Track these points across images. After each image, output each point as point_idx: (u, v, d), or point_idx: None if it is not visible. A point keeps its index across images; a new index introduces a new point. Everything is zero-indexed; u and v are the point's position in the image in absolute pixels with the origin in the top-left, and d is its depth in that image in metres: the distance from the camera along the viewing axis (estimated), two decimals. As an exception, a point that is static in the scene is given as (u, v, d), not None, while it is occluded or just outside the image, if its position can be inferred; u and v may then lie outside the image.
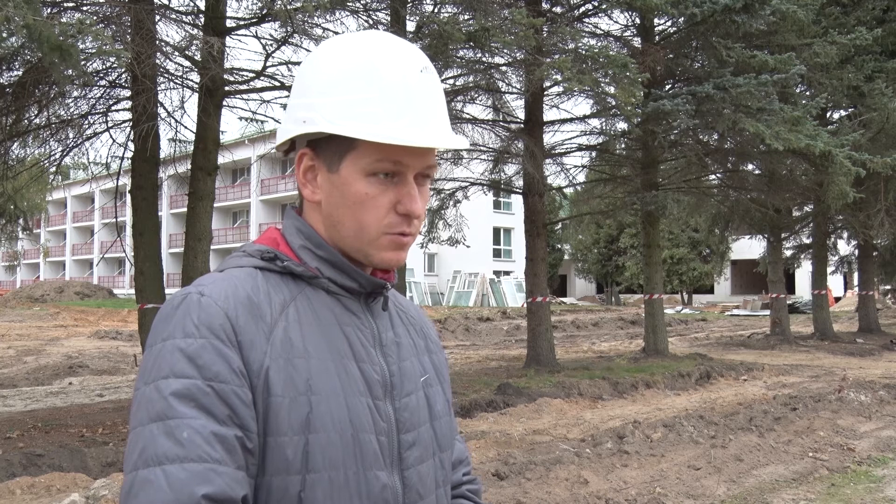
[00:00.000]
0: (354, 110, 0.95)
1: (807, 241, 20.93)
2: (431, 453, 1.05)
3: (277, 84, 9.26)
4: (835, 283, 32.79)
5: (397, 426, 1.01)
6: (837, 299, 35.48)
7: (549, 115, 13.43)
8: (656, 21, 13.10)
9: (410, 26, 9.15)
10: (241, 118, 11.52)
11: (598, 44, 11.60)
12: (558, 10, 11.70)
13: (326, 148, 0.99)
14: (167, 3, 8.65)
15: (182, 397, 0.85)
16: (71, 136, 9.58)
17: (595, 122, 13.83)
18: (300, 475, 0.91)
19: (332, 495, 0.92)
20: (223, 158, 9.75)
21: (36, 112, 8.87)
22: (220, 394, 0.87)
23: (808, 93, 14.70)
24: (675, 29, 12.95)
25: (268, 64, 8.83)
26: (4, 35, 5.43)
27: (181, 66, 8.72)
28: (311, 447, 0.91)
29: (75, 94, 8.77)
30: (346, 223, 0.99)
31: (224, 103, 9.03)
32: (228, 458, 0.85)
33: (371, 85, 0.95)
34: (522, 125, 12.44)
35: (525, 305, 14.11)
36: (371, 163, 0.96)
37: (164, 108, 9.08)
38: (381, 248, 1.00)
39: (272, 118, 10.54)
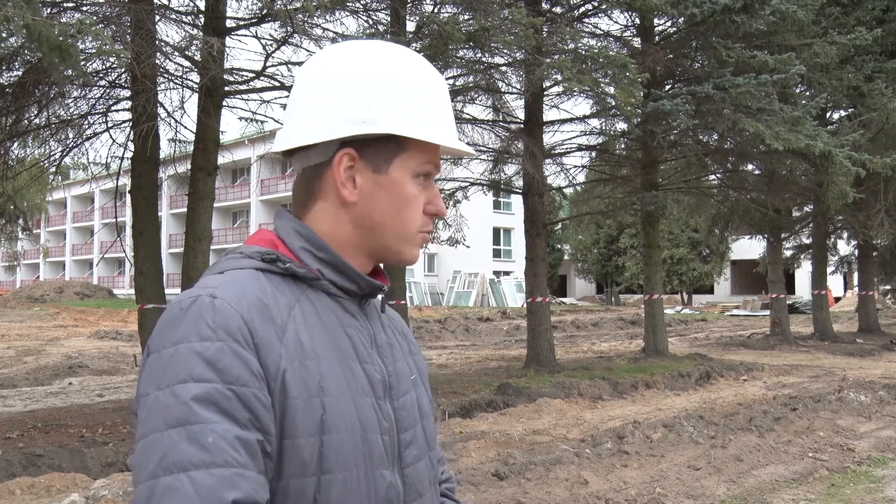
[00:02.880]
0: (415, 114, 1.00)
1: (807, 241, 20.92)
2: (425, 452, 1.07)
3: (277, 84, 9.26)
4: (835, 284, 32.79)
5: (397, 425, 1.02)
6: (837, 299, 35.48)
7: (548, 115, 13.44)
8: (656, 21, 13.10)
9: (410, 26, 9.15)
10: (241, 118, 11.52)
11: (598, 44, 11.61)
12: (558, 10, 11.69)
13: (372, 149, 1.01)
14: (167, 3, 8.65)
15: (203, 402, 0.84)
16: (71, 136, 9.57)
17: (595, 122, 13.84)
18: (315, 477, 0.91)
19: (344, 496, 0.93)
20: (223, 158, 9.75)
21: (36, 112, 8.87)
22: (242, 397, 0.86)
23: (807, 93, 14.71)
24: (674, 29, 12.95)
25: (268, 64, 8.83)
26: (4, 35, 5.43)
27: (181, 66, 8.72)
28: (325, 448, 0.91)
29: (75, 94, 8.77)
30: (389, 223, 1.03)
31: (224, 103, 9.03)
32: (252, 462, 0.85)
33: (425, 90, 1.02)
34: (522, 125, 12.43)
35: (525, 305, 14.11)
36: (420, 164, 1.03)
37: (164, 109, 9.08)
38: (414, 246, 1.06)
39: (272, 118, 10.54)
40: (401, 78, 1.01)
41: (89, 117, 9.40)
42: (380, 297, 1.10)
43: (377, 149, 1.01)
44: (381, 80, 1.00)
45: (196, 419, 0.83)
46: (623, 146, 14.98)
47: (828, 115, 16.70)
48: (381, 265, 1.11)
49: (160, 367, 0.87)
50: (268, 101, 10.11)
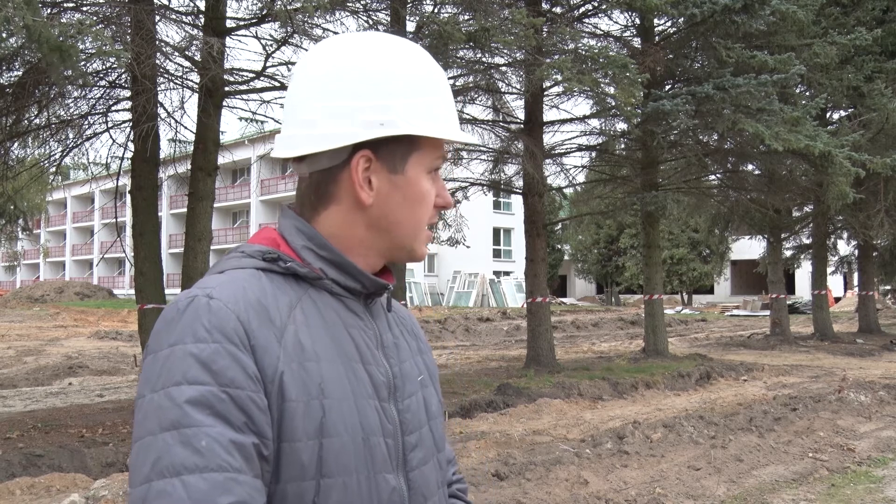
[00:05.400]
0: (428, 111, 0.99)
1: (807, 241, 20.93)
2: (432, 454, 1.05)
3: (277, 84, 9.26)
4: (835, 284, 32.80)
5: (401, 428, 1.00)
6: (837, 300, 35.49)
7: (548, 115, 13.44)
8: (656, 21, 13.10)
9: (410, 26, 9.15)
10: (241, 118, 11.53)
11: (598, 44, 11.60)
12: (558, 10, 11.69)
13: (388, 149, 0.98)
14: (167, 3, 8.65)
15: (197, 405, 0.82)
16: (71, 136, 9.57)
17: (595, 123, 13.84)
18: (315, 481, 0.89)
19: (345, 500, 0.91)
20: (223, 159, 9.75)
21: (36, 112, 8.86)
22: (237, 400, 0.84)
23: (807, 93, 14.71)
24: (674, 29, 12.95)
25: (268, 64, 8.83)
26: (4, 35, 5.43)
27: (181, 66, 8.73)
28: (325, 452, 0.89)
29: (75, 94, 8.77)
30: (405, 222, 1.02)
31: (224, 104, 9.02)
32: (247, 466, 0.83)
33: (435, 87, 1.02)
34: (522, 125, 12.43)
35: (525, 306, 14.11)
36: (433, 160, 1.03)
37: (164, 109, 9.08)
38: (423, 242, 1.05)
39: (272, 118, 10.54)
40: (410, 73, 0.99)
41: (89, 117, 9.40)
42: (385, 295, 1.07)
43: (392, 149, 0.98)
44: (393, 78, 0.97)
45: (190, 422, 0.82)
46: (623, 146, 14.98)
47: (828, 115, 16.71)
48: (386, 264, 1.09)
49: (156, 369, 0.86)
50: (268, 102, 10.12)
